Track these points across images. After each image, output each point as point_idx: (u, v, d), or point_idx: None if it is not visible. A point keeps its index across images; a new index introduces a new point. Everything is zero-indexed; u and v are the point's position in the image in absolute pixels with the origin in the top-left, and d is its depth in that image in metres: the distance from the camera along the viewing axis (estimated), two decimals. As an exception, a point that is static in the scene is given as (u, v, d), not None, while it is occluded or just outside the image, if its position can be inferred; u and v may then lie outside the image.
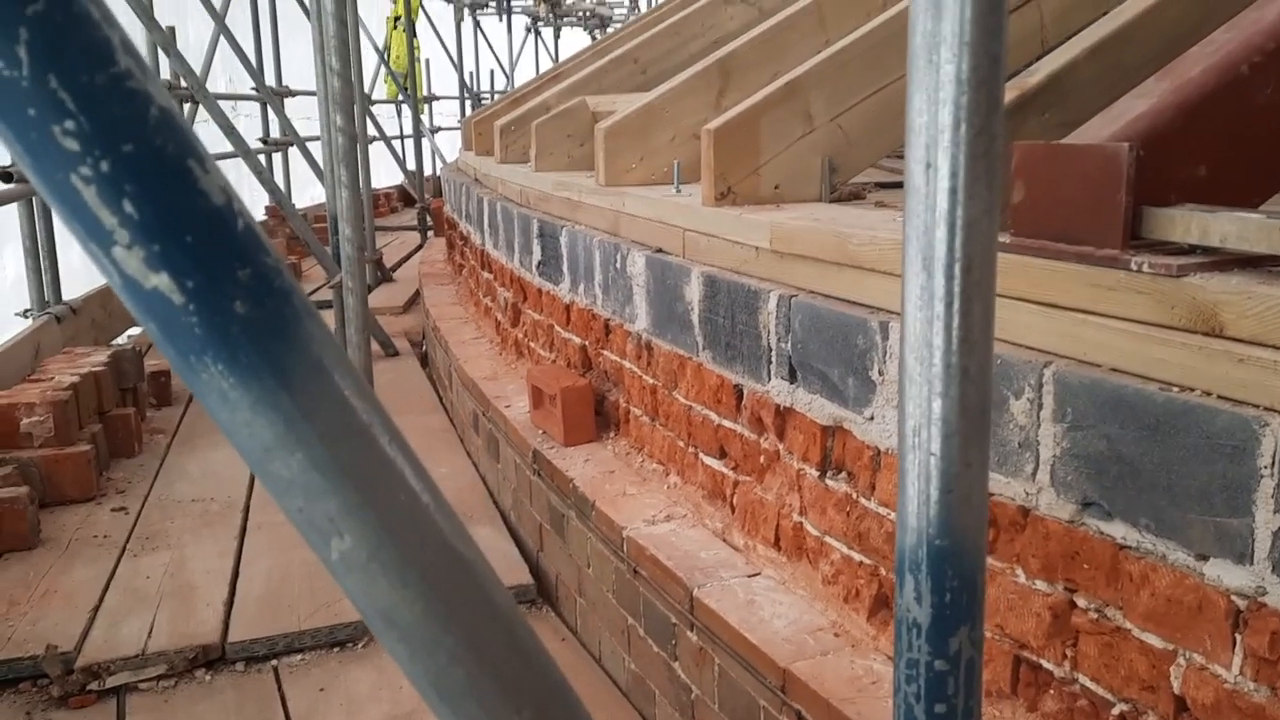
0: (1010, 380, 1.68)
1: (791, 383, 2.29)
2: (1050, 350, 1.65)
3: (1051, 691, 1.64)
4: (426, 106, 13.78)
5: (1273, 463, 1.29)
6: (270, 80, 9.55)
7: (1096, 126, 1.67)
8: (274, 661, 2.96)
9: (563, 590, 3.28)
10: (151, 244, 0.50)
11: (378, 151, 10.41)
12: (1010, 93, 2.03)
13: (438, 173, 12.17)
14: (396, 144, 12.18)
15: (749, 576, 2.32)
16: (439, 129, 14.61)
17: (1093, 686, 1.57)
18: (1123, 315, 1.53)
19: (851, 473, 2.12)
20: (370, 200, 8.36)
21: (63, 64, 0.46)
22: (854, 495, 2.11)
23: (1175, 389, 1.43)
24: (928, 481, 0.88)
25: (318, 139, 5.43)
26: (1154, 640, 1.47)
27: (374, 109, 11.00)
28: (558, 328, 3.84)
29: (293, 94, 10.05)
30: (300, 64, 9.64)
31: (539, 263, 4.04)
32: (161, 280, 0.50)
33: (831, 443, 2.18)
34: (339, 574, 0.59)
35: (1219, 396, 1.38)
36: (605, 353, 3.38)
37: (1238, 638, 1.36)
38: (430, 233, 10.70)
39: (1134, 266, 1.51)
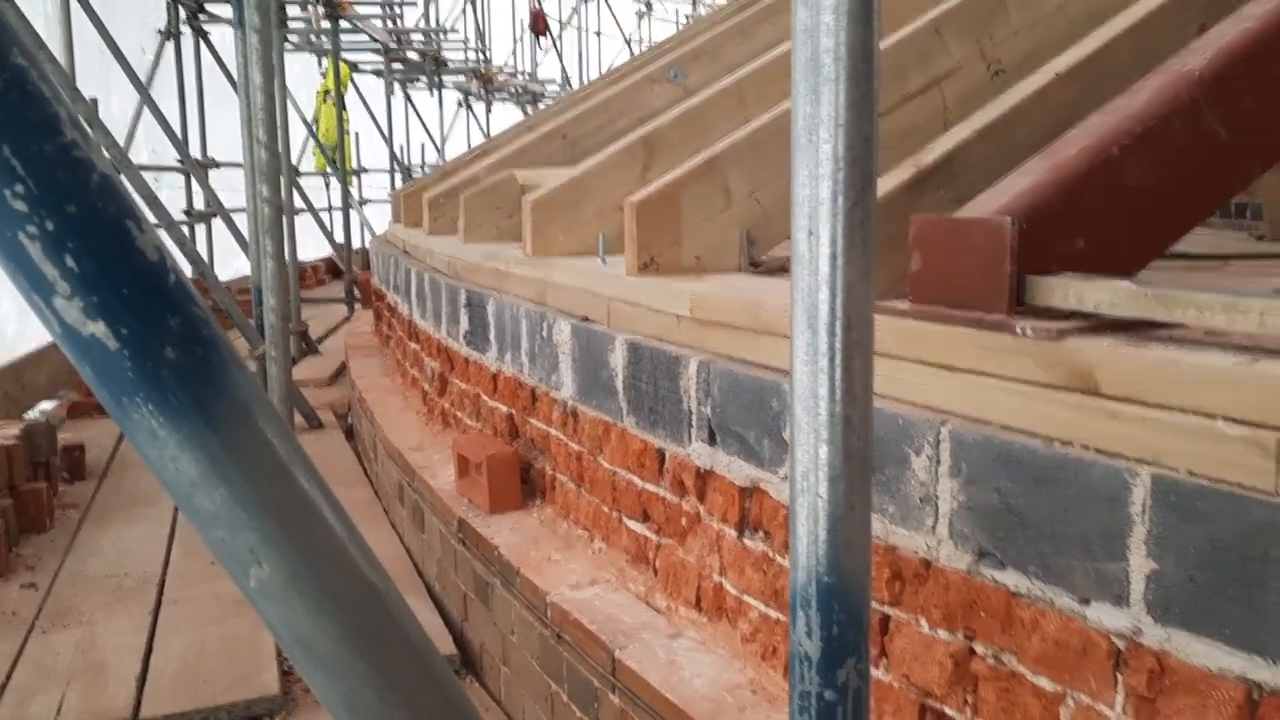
0: (911, 438, 1.77)
1: (711, 445, 2.36)
2: (947, 409, 1.75)
3: (955, 738, 1.71)
4: (355, 179, 13.83)
5: (1143, 510, 1.39)
6: (195, 151, 9.53)
7: (985, 201, 1.79)
8: (189, 737, 2.89)
9: (487, 660, 3.28)
10: (90, 295, 0.55)
11: (305, 223, 10.40)
12: (908, 170, 2.16)
13: (366, 245, 12.18)
14: (325, 216, 12.18)
15: (670, 638, 2.36)
16: (368, 201, 14.64)
17: (993, 731, 1.64)
18: (1010, 375, 1.64)
19: (768, 532, 2.19)
20: (296, 272, 8.34)
21: (15, 135, 0.52)
22: (770, 554, 2.17)
23: (1057, 443, 1.53)
24: (816, 523, 0.95)
25: (243, 210, 5.44)
26: (1045, 683, 1.55)
27: (301, 180, 11.01)
28: (484, 396, 3.88)
29: (218, 165, 10.03)
30: (226, 135, 9.64)
31: (466, 332, 4.09)
32: (98, 328, 0.55)
33: (749, 503, 2.25)
34: (258, 602, 0.63)
35: (1095, 450, 1.48)
36: (532, 420, 3.42)
37: (1119, 677, 1.44)
38: (358, 305, 10.67)
39: (1019, 330, 1.62)
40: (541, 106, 16.27)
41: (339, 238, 11.84)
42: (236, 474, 0.60)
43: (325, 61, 13.13)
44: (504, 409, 3.65)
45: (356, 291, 10.76)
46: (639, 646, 2.31)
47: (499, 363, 3.70)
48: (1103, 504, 1.44)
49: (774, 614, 2.15)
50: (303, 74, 13.96)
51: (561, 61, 19.27)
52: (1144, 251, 1.88)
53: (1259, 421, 1.30)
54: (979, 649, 1.67)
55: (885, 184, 2.13)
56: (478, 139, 16.65)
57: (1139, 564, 1.40)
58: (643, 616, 2.48)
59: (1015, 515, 1.58)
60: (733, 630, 2.29)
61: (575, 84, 18.26)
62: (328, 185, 13.87)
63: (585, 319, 3.01)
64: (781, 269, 2.94)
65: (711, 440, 2.35)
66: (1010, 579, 1.60)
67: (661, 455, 2.57)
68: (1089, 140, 1.81)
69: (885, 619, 1.85)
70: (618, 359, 2.75)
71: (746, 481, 2.23)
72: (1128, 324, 1.60)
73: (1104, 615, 1.45)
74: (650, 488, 2.64)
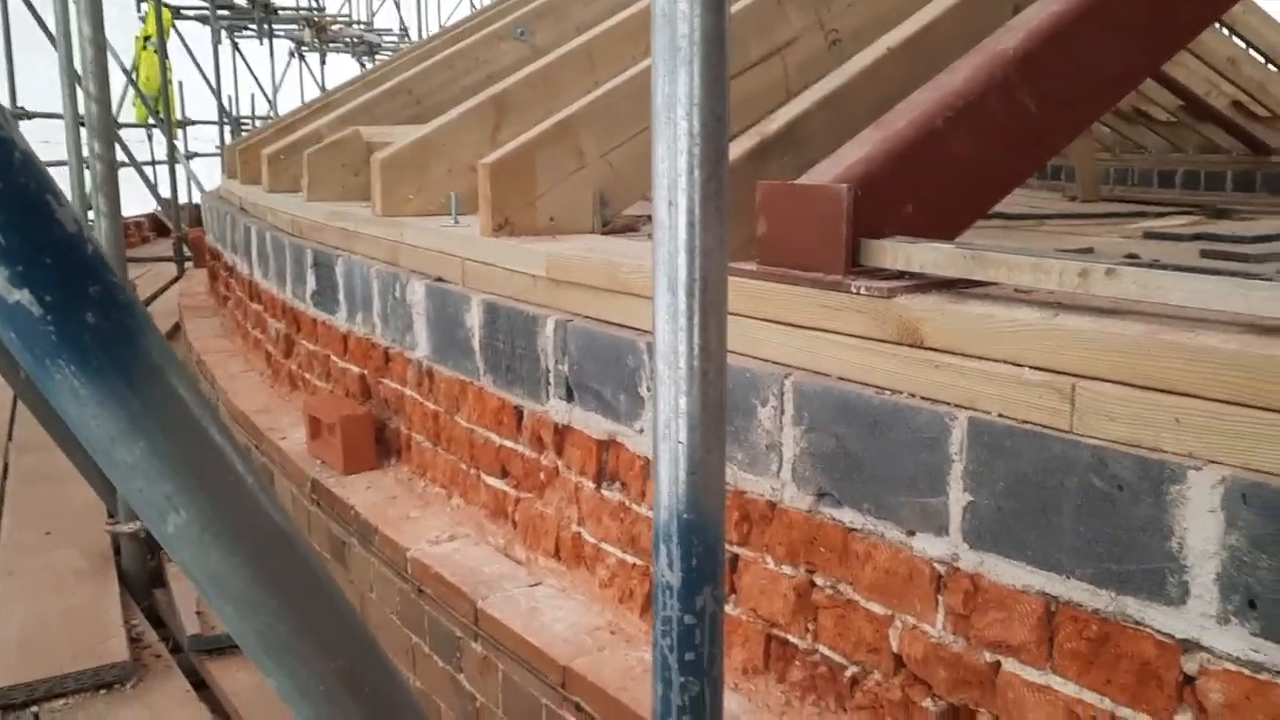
0: (758, 390, 1.90)
1: (569, 402, 2.44)
2: (791, 363, 1.89)
3: (797, 662, 1.87)
4: (180, 131, 13.15)
5: (961, 450, 1.56)
6: (4, 100, 8.89)
7: (823, 169, 1.93)
8: (34, 708, 2.81)
9: (345, 618, 3.29)
10: (15, 265, 0.59)
11: (127, 178, 9.85)
12: (753, 138, 2.28)
13: (196, 201, 11.64)
14: (148, 171, 11.55)
15: (531, 586, 2.45)
16: (195, 155, 13.94)
17: (830, 654, 1.80)
18: (847, 331, 1.78)
19: (625, 482, 2.30)
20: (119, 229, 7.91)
21: (-57, 115, 0.55)
22: (627, 503, 2.28)
23: (888, 392, 1.69)
24: (677, 466, 1.04)
25: (62, 164, 5.14)
26: (877, 608, 1.71)
27: (122, 133, 10.41)
28: (335, 358, 3.84)
29: (30, 116, 9.38)
30: (38, 85, 9.02)
31: (314, 293, 4.03)
32: (23, 296, 0.59)
33: (607, 456, 2.35)
34: (173, 546, 0.68)
35: (921, 397, 1.64)
36: (386, 381, 3.42)
37: (940, 598, 1.61)
38: (189, 264, 10.21)
39: (854, 290, 1.76)
40: (379, 59, 15.80)
41: (165, 193, 11.27)
42: (154, 429, 0.65)
43: (145, 5, 12.36)
44: (356, 370, 3.64)
45: (187, 250, 10.29)
46: (500, 596, 2.39)
47: (350, 324, 3.67)
48: (926, 446, 1.60)
49: (631, 559, 2.27)
50: (119, 19, 13.11)
51: (399, 11, 18.73)
52: (966, 216, 2.06)
53: (1057, 369, 1.48)
54: (819, 581, 1.82)
55: (733, 150, 2.23)
56: (312, 92, 16.04)
57: (957, 498, 1.57)
58: (503, 568, 2.56)
59: (851, 459, 1.73)
60: (591, 577, 2.40)
61: (414, 35, 17.78)
62: (150, 138, 13.12)
63: (439, 279, 3.03)
64: (631, 229, 3.04)
65: (569, 397, 2.43)
66: (847, 516, 1.76)
67: (519, 413, 2.64)
68: (916, 113, 1.96)
69: (734, 558, 1.99)
70: (474, 319, 2.80)
71: (604, 435, 2.33)
72: (950, 283, 1.77)
73: (927, 545, 1.62)
74: (509, 444, 2.71)
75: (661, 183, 1.01)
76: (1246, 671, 1.29)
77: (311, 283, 4.03)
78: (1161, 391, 1.37)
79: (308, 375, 4.19)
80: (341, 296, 3.73)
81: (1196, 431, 1.33)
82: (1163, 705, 1.37)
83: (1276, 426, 1.27)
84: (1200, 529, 1.31)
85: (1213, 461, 1.31)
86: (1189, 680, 1.34)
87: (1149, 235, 4.89)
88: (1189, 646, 1.34)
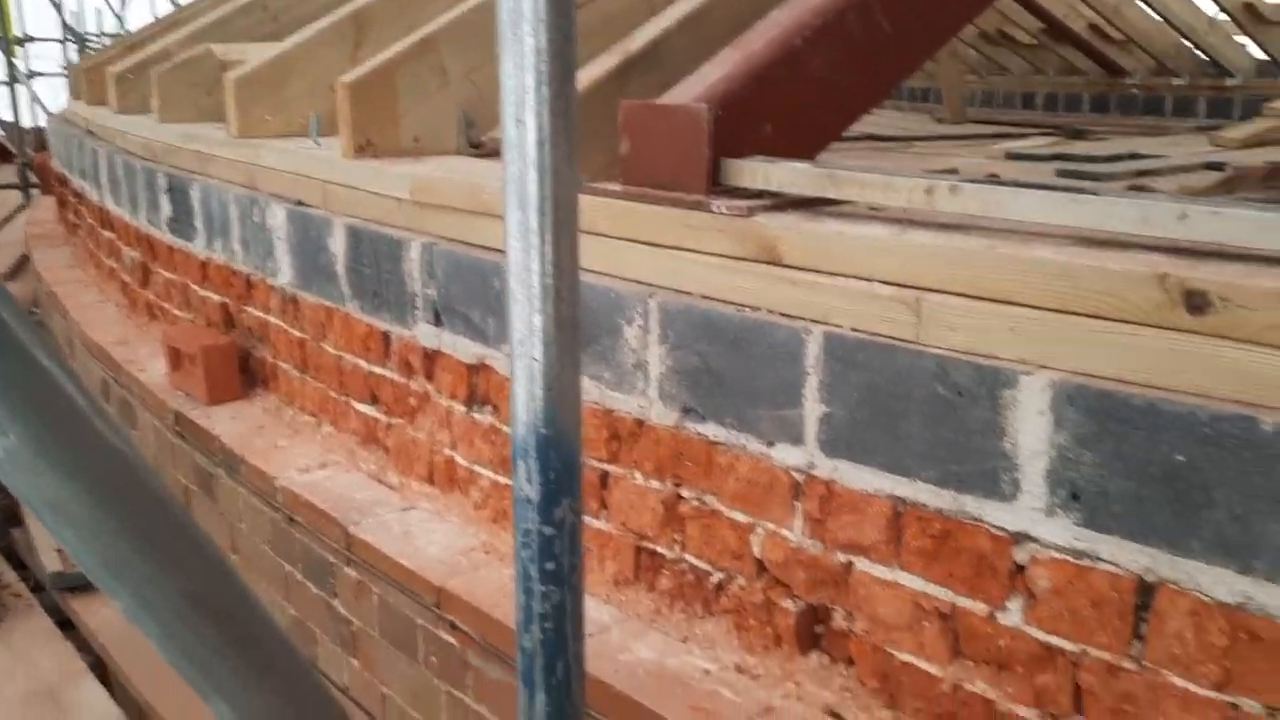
0: (624, 310, 1.93)
1: (438, 326, 2.43)
2: (656, 283, 1.91)
3: (666, 572, 1.93)
4: (20, 49, 12.24)
5: (816, 363, 1.62)
6: None
7: (683, 89, 1.93)
8: (-116, 658, 2.70)
9: (217, 551, 3.23)
10: None
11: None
12: (616, 57, 2.27)
13: (41, 124, 10.91)
14: (-15, 90, 10.76)
15: (404, 511, 2.45)
16: (36, 75, 13.02)
17: (697, 562, 1.87)
18: (708, 250, 1.82)
19: (496, 405, 2.30)
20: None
21: None
22: (498, 425, 2.30)
23: (748, 309, 1.73)
24: (533, 382, 1.06)
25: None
26: (740, 516, 1.78)
27: (-47, 49, 9.66)
28: (194, 286, 3.71)
29: None
30: None
31: (169, 219, 3.86)
32: None
33: (477, 379, 2.35)
34: (6, 471, 0.67)
35: (779, 314, 1.69)
36: (248, 309, 3.33)
37: (797, 505, 1.69)
38: (35, 191, 9.62)
39: (714, 209, 1.79)
40: (237, -29, 14.94)
41: (6, 116, 10.54)
42: (-26, 353, 0.63)
43: (-30, -92, 11.38)
44: (217, 298, 3.52)
45: (32, 176, 9.68)
46: (373, 521, 2.39)
47: (208, 250, 3.54)
48: (784, 360, 1.66)
49: (504, 480, 2.29)
50: (-58, -78, 12.04)
51: (256, -78, 17.72)
52: (825, 135, 2.10)
53: (905, 282, 1.54)
54: (685, 493, 1.88)
55: (596, 70, 2.23)
56: (165, 7, 15.11)
57: (812, 409, 1.63)
58: (376, 494, 2.55)
59: (714, 375, 1.78)
60: (465, 499, 2.41)
61: (274, -52, 16.86)
62: (-14, 55, 12.20)
63: (300, 203, 2.94)
64: (496, 150, 3.00)
65: (437, 321, 2.42)
66: (711, 430, 1.81)
67: (387, 338, 2.61)
68: (774, 33, 1.98)
69: (604, 475, 2.03)
70: (337, 244, 2.73)
71: (473, 359, 2.33)
72: (809, 202, 1.81)
73: (785, 454, 1.69)
74: (378, 370, 2.68)
75: (509, 100, 1.01)
76: (1070, 559, 1.40)
77: (166, 208, 3.86)
78: (999, 302, 1.44)
79: (166, 305, 4.03)
80: (199, 222, 3.59)
81: (1029, 339, 1.41)
82: (996, 593, 1.48)
83: (1099, 333, 1.36)
84: (1031, 430, 1.40)
85: (1043, 367, 1.40)
86: (1019, 569, 1.45)
87: (1011, 156, 5.07)
88: (1020, 538, 1.44)
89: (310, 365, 3.00)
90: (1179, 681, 1.33)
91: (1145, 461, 1.31)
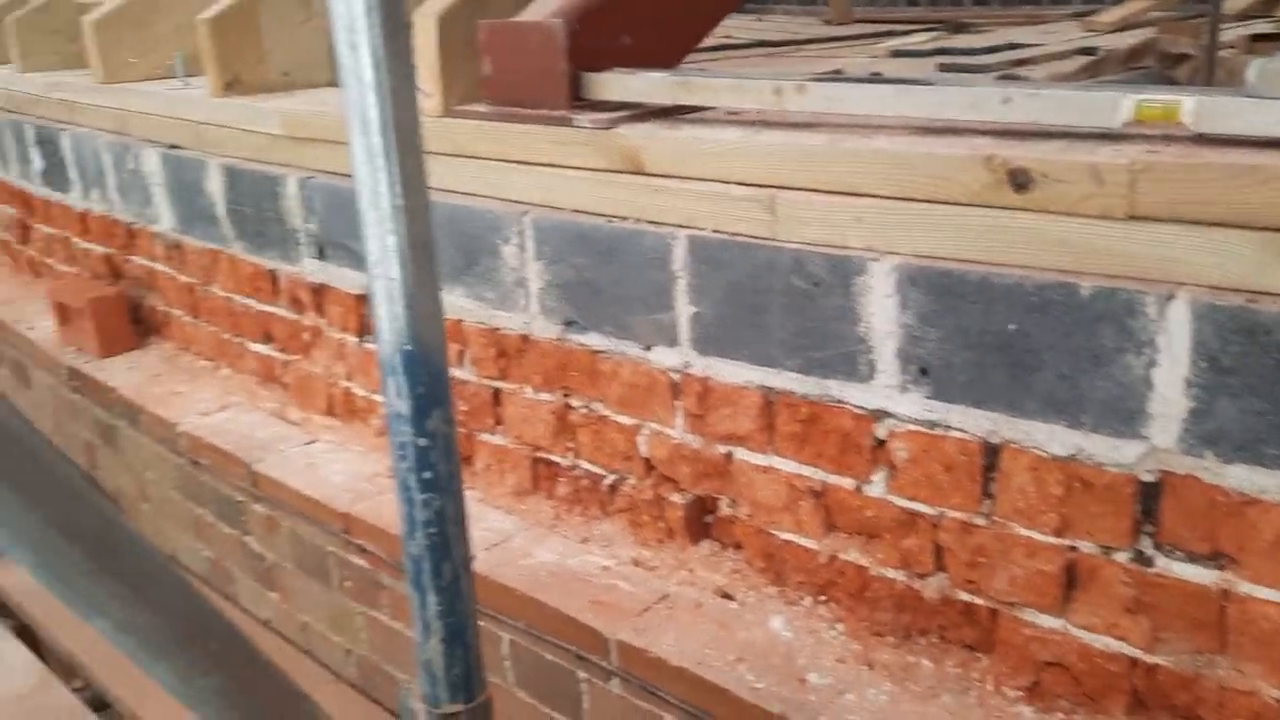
0: (501, 230, 1.97)
1: (322, 260, 2.43)
2: (530, 201, 1.95)
3: (562, 480, 2.01)
4: None
5: (684, 266, 1.69)
6: None
7: (539, 5, 1.95)
8: None
9: (125, 502, 3.23)
10: None
11: None
12: (476, -24, 2.26)
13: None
14: None
15: (307, 444, 2.48)
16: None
17: (591, 467, 1.95)
18: (576, 165, 1.86)
19: (387, 334, 2.33)
20: None
21: None
22: (392, 353, 2.32)
23: (616, 220, 1.79)
24: (393, 301, 1.11)
25: None
26: (626, 420, 1.86)
27: None
28: (75, 239, 3.62)
29: None
30: None
31: (42, 172, 3.74)
32: None
33: (366, 309, 2.37)
34: None
35: (646, 221, 1.75)
36: (133, 258, 3.27)
37: (677, 404, 1.77)
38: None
39: (577, 124, 1.83)
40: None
41: None
42: None
43: None
44: (100, 250, 3.45)
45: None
46: (277, 457, 2.42)
47: (86, 201, 3.45)
48: (654, 266, 1.72)
49: (402, 407, 2.33)
50: None
51: None
52: (684, 43, 2.13)
53: (759, 182, 1.61)
54: (574, 403, 1.95)
55: (456, -10, 2.21)
56: (18, -54, 14.20)
57: (683, 310, 1.71)
58: (278, 430, 2.57)
59: (590, 286, 1.84)
60: (366, 427, 2.45)
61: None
62: None
63: (173, 146, 2.89)
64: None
65: (321, 255, 2.42)
66: (592, 340, 1.87)
67: (275, 276, 2.61)
68: (628, -56, 2.00)
69: (496, 392, 2.09)
70: (215, 185, 2.70)
71: (361, 289, 2.35)
72: (665, 110, 1.86)
73: (663, 357, 1.77)
74: (269, 309, 2.68)
75: (341, 24, 1.03)
76: (924, 430, 1.50)
77: (38, 161, 3.74)
78: (845, 194, 1.52)
79: (49, 260, 3.93)
80: (73, 174, 3.49)
81: (874, 227, 1.50)
82: (861, 468, 1.58)
83: (936, 216, 1.44)
84: (881, 312, 1.49)
85: (889, 253, 1.49)
86: (880, 444, 1.56)
87: (895, 54, 5.14)
88: (879, 415, 1.54)
89: (202, 310, 2.97)
90: (1024, 531, 1.45)
91: (982, 333, 1.41)
